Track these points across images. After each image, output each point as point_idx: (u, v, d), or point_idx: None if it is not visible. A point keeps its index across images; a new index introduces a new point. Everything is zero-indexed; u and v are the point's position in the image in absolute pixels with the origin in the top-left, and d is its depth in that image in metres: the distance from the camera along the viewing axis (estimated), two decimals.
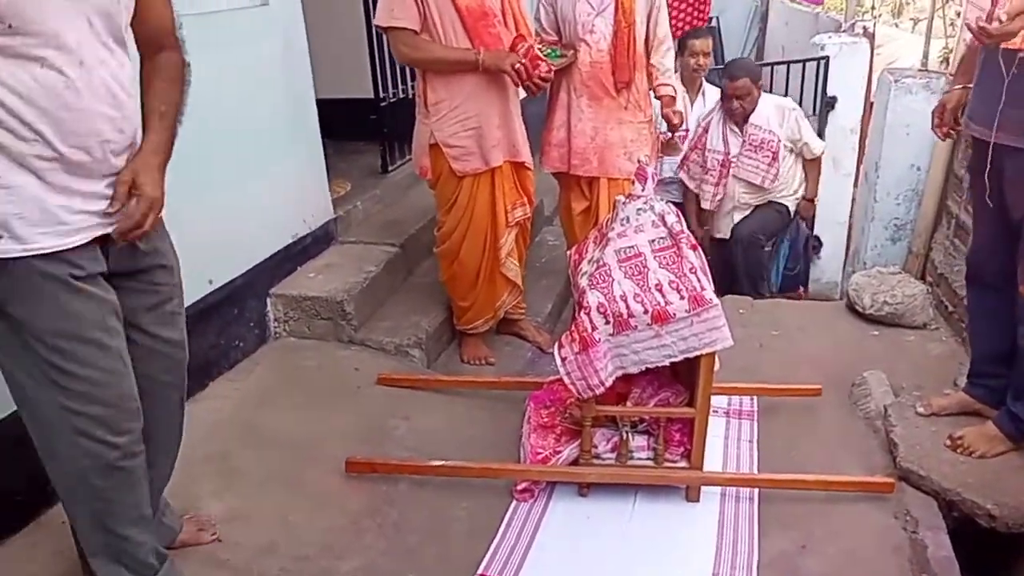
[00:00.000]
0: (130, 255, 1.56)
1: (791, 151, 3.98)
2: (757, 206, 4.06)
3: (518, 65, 2.58)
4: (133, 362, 1.58)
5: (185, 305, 2.54)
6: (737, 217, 4.09)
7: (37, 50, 1.31)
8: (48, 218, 1.39)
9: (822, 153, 4.03)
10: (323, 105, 3.32)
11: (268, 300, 3.01)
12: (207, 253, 2.67)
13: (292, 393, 2.71)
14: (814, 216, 4.37)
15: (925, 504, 2.16)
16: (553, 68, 2.73)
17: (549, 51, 2.86)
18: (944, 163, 3.37)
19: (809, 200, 4.16)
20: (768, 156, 3.89)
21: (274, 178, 3.02)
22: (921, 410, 2.44)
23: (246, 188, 2.85)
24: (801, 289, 4.54)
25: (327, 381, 2.79)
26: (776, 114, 3.92)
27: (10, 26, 1.28)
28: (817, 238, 4.78)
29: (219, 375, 2.75)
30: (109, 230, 1.48)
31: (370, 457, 2.33)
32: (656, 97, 3.12)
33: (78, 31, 1.36)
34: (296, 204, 3.19)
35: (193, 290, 2.61)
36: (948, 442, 2.26)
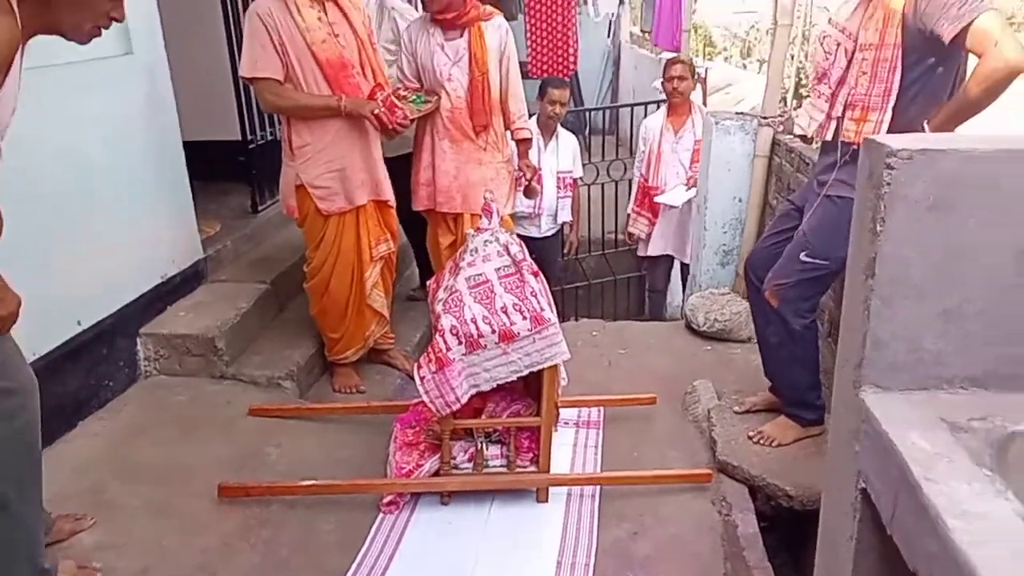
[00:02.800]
0: None
1: None
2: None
3: (377, 111, 2.81)
4: None
5: (54, 346, 2.62)
6: None
7: None
8: None
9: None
10: (193, 148, 3.44)
11: (138, 339, 3.08)
12: (75, 294, 2.75)
13: (164, 428, 2.79)
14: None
15: (738, 491, 2.51)
16: (419, 113, 2.98)
17: (415, 97, 3.10)
18: (761, 195, 3.84)
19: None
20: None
21: (142, 220, 3.11)
22: (737, 408, 2.81)
23: (114, 230, 2.93)
24: None
25: (199, 415, 2.88)
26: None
27: None
28: None
29: (89, 414, 2.80)
30: None
31: (242, 481, 2.46)
32: (513, 140, 3.39)
33: None
34: (164, 245, 3.27)
35: (61, 331, 2.68)
36: (751, 435, 2.63)
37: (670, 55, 5.65)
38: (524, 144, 3.41)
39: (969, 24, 2.03)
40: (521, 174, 3.46)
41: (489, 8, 3.29)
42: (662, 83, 4.64)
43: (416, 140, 3.34)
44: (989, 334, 1.05)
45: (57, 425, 2.61)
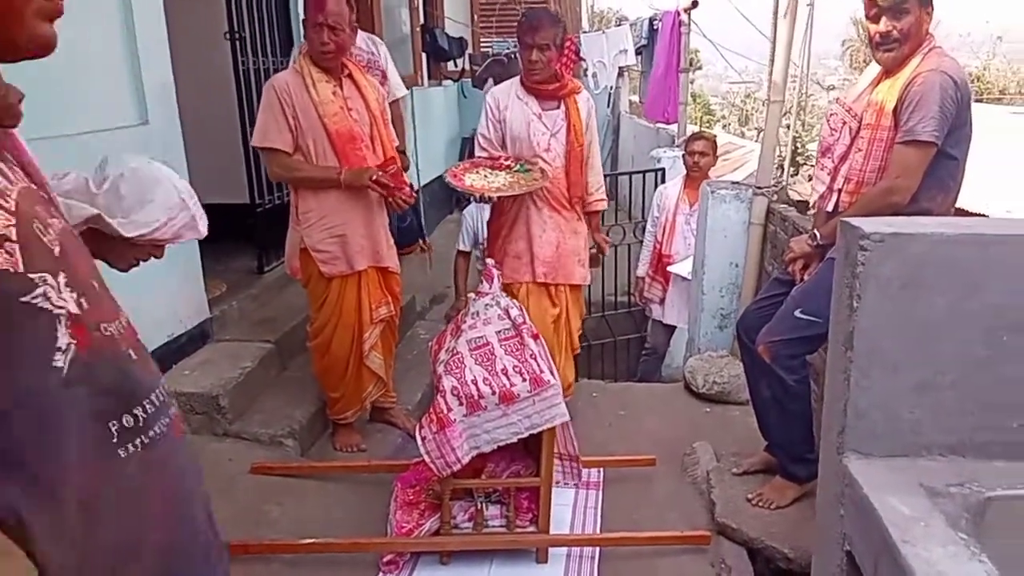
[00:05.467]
0: None
1: None
2: None
3: (375, 176, 2.89)
4: None
5: None
6: None
7: None
8: None
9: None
10: (203, 210, 3.53)
11: None
12: None
13: None
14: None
15: (737, 553, 2.53)
16: (527, 189, 2.98)
17: (518, 166, 3.10)
18: (756, 261, 3.94)
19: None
20: None
21: (150, 281, 3.16)
22: (735, 470, 2.84)
23: (123, 290, 2.98)
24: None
25: None
26: None
27: None
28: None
29: None
30: None
31: (243, 540, 2.48)
32: (587, 212, 3.33)
33: None
34: (172, 304, 3.33)
35: None
36: (750, 498, 2.65)
37: (664, 126, 5.82)
38: (596, 216, 3.39)
39: (904, 141, 2.24)
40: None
41: (576, 81, 3.31)
42: (683, 156, 4.77)
43: (499, 210, 3.25)
44: (963, 405, 1.11)
45: None
